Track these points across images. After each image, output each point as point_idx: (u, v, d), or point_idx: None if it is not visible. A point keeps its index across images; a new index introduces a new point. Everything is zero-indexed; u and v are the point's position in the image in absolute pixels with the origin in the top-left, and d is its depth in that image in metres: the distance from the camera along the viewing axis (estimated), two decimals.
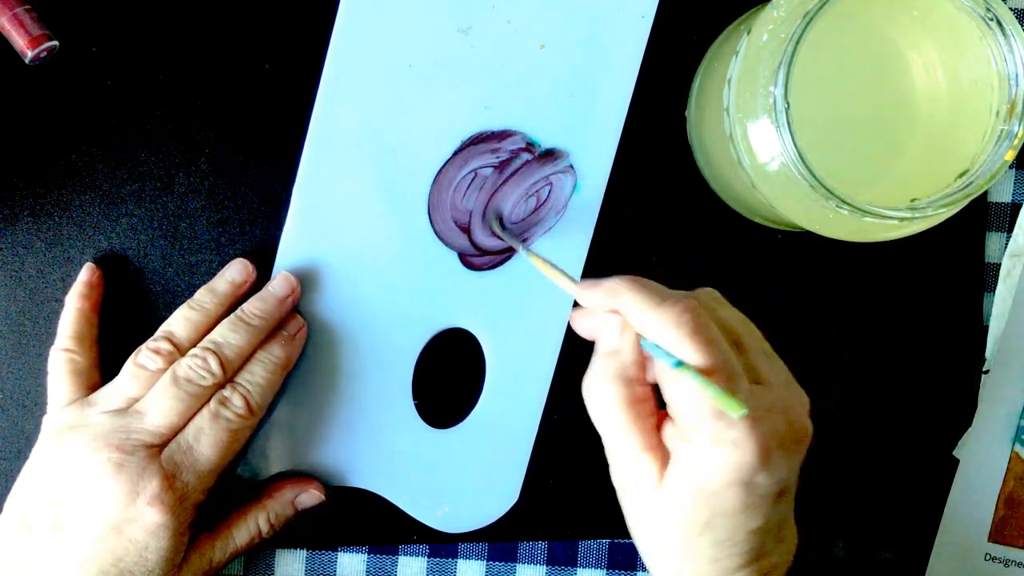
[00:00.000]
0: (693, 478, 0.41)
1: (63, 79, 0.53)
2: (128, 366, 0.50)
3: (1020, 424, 0.57)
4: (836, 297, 0.56)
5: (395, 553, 0.56)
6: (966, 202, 0.45)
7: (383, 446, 0.55)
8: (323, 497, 0.54)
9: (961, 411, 0.57)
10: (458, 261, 0.54)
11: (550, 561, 0.57)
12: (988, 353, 0.56)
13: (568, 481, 0.56)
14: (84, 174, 0.54)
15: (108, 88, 0.53)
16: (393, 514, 0.55)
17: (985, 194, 0.56)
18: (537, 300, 0.55)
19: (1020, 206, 0.57)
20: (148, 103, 0.54)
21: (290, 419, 0.54)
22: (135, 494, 0.47)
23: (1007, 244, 0.57)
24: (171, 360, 0.50)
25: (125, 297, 0.54)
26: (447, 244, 0.54)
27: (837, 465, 0.57)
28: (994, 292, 0.57)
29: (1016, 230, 0.57)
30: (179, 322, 0.51)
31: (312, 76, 0.53)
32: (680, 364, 0.40)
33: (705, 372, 0.40)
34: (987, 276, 0.57)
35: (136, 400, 0.49)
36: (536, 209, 0.54)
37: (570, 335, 0.55)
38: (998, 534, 0.57)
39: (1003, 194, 0.57)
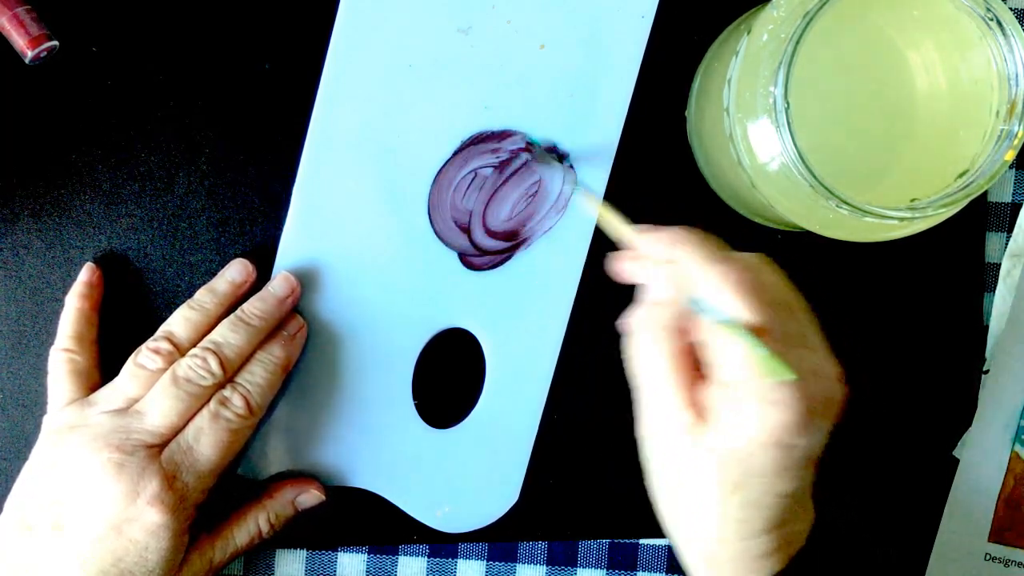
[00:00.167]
0: (730, 436, 0.41)
1: (63, 79, 0.53)
2: (128, 366, 0.50)
3: (1020, 424, 0.57)
4: (836, 297, 0.56)
5: (395, 553, 0.56)
6: (966, 202, 0.45)
7: (383, 446, 0.55)
8: (323, 497, 0.54)
9: (961, 411, 0.57)
10: (458, 261, 0.54)
11: (550, 561, 0.57)
12: (988, 353, 0.56)
13: (568, 481, 0.56)
14: (84, 174, 0.54)
15: (108, 88, 0.54)
16: (393, 514, 0.55)
17: (985, 194, 0.56)
18: (537, 300, 0.55)
19: (1020, 206, 0.57)
20: (148, 103, 0.54)
21: (290, 419, 0.54)
22: (135, 494, 0.47)
23: (1007, 244, 0.57)
24: (171, 360, 0.50)
25: (125, 297, 0.54)
26: (447, 244, 0.54)
27: (837, 465, 0.57)
28: (994, 292, 0.57)
29: (1016, 230, 0.57)
30: (179, 322, 0.51)
31: (312, 76, 0.53)
32: (731, 322, 0.40)
33: (756, 331, 0.40)
34: (987, 276, 0.57)
35: (136, 400, 0.49)
36: (533, 204, 0.54)
37: (570, 335, 0.55)
38: (998, 534, 0.57)
39: (1003, 194, 0.57)
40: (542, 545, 0.57)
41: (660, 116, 0.55)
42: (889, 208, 0.44)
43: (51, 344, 0.53)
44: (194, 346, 0.50)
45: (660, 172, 0.55)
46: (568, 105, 0.54)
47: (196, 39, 0.54)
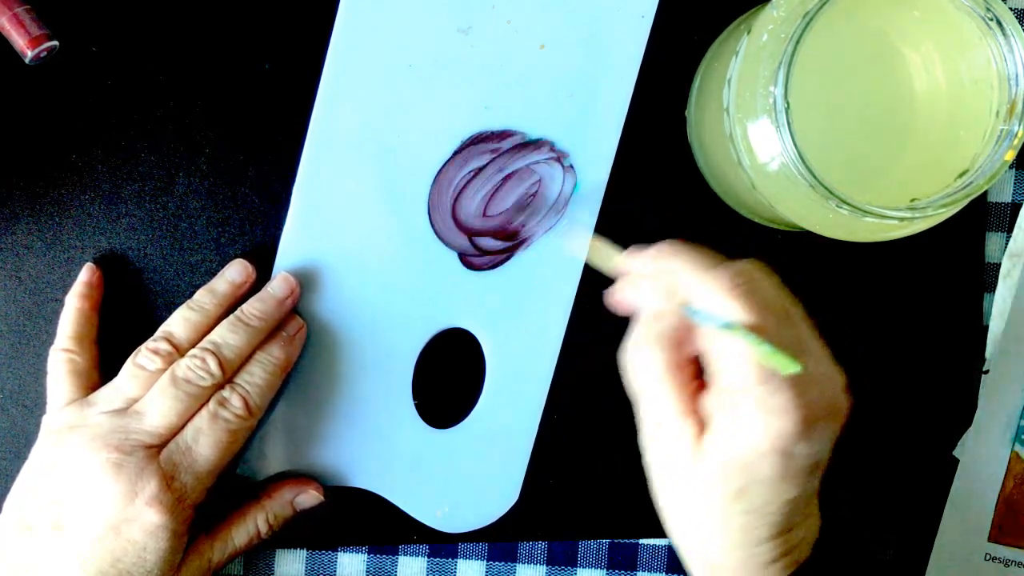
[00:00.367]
0: (732, 444, 0.41)
1: (63, 79, 0.53)
2: (127, 366, 0.50)
3: (1020, 424, 0.57)
4: (836, 297, 0.56)
5: (395, 553, 0.56)
6: (966, 202, 0.45)
7: (383, 446, 0.55)
8: (322, 498, 0.54)
9: (961, 411, 0.57)
10: (458, 261, 0.54)
11: (550, 561, 0.57)
12: (988, 353, 0.56)
13: (568, 481, 0.56)
14: (84, 174, 0.54)
15: (108, 88, 0.54)
16: (393, 514, 0.55)
17: (985, 194, 0.56)
18: (537, 300, 0.55)
19: (1020, 206, 0.57)
20: (148, 103, 0.54)
21: (289, 419, 0.54)
22: (134, 494, 0.47)
23: (1007, 244, 0.57)
24: (170, 360, 0.50)
25: (125, 297, 0.54)
26: (447, 244, 0.54)
27: (837, 465, 0.57)
28: (994, 292, 0.57)
29: (1016, 230, 0.57)
30: (178, 322, 0.51)
31: (312, 76, 0.53)
32: (730, 325, 0.40)
33: (756, 331, 0.40)
34: (987, 276, 0.57)
35: (135, 400, 0.49)
36: (531, 201, 0.54)
37: (570, 335, 0.55)
38: (998, 534, 0.57)
39: (1003, 194, 0.57)
40: (542, 545, 0.57)
41: (660, 116, 0.55)
42: (889, 208, 0.44)
43: (51, 344, 0.53)
44: (193, 347, 0.50)
45: (660, 172, 0.55)
46: (568, 105, 0.54)
47: (196, 39, 0.54)
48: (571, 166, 0.54)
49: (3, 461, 0.54)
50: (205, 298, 0.52)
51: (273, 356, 0.51)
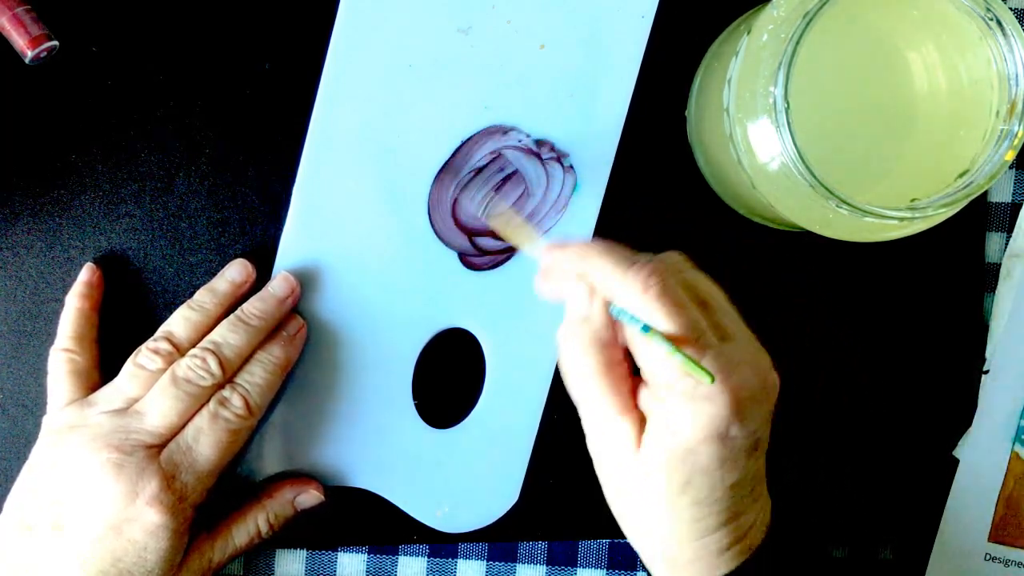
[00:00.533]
0: (669, 437, 0.42)
1: (63, 79, 0.53)
2: (128, 366, 0.50)
3: (1020, 424, 0.57)
4: (836, 297, 0.56)
5: (395, 553, 0.56)
6: (966, 202, 0.45)
7: (383, 446, 0.55)
8: (322, 497, 0.54)
9: (961, 411, 0.57)
10: (458, 261, 0.54)
11: (550, 561, 0.57)
12: (988, 353, 0.56)
13: (568, 481, 0.56)
14: (84, 174, 0.54)
15: (108, 88, 0.54)
16: (393, 514, 0.55)
17: (985, 194, 0.56)
18: (537, 300, 0.55)
19: (1020, 206, 0.57)
20: (148, 103, 0.54)
21: (290, 419, 0.54)
22: (134, 494, 0.47)
23: (1007, 244, 0.57)
24: (171, 360, 0.50)
25: (125, 297, 0.54)
26: (447, 244, 0.54)
27: (837, 465, 0.57)
28: (994, 292, 0.57)
29: (1016, 230, 0.57)
30: (179, 322, 0.51)
31: (312, 76, 0.53)
32: (648, 329, 0.41)
33: (673, 336, 0.41)
34: (987, 276, 0.57)
35: (136, 400, 0.49)
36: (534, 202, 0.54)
37: None
38: (998, 534, 0.57)
39: (1003, 194, 0.57)
40: (542, 545, 0.57)
41: (660, 116, 0.55)
42: (889, 208, 0.44)
43: (51, 344, 0.53)
44: (194, 346, 0.50)
45: (660, 172, 0.55)
46: (568, 105, 0.54)
47: (196, 39, 0.54)
48: (571, 166, 0.54)
49: (3, 461, 0.54)
50: (205, 298, 0.52)
51: (273, 356, 0.51)
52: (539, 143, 0.54)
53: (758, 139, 0.46)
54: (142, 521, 0.47)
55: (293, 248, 0.54)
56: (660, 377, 0.42)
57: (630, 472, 0.43)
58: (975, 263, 0.57)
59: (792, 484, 0.54)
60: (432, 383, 0.55)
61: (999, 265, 0.57)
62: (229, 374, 0.50)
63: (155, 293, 0.54)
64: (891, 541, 0.57)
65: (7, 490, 0.50)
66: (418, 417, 0.55)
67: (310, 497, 0.53)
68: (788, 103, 0.44)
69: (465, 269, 0.54)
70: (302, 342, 0.53)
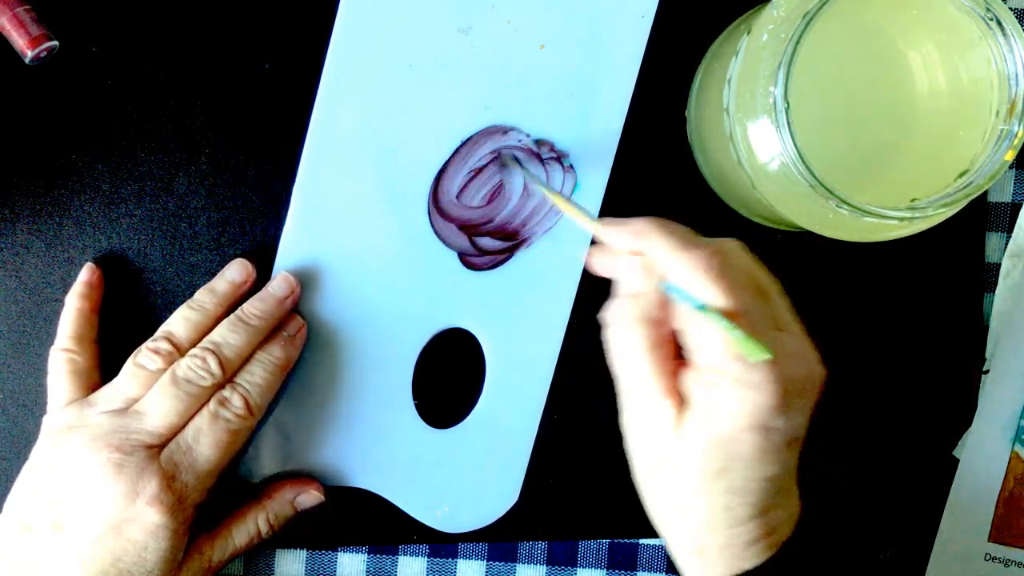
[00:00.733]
0: (711, 422, 0.41)
1: (63, 79, 0.53)
2: (128, 366, 0.50)
3: (1020, 424, 0.57)
4: (836, 297, 0.56)
5: (395, 553, 0.56)
6: (966, 202, 0.45)
7: (383, 446, 0.55)
8: (322, 498, 0.54)
9: (961, 411, 0.57)
10: (458, 261, 0.54)
11: (550, 561, 0.57)
12: (988, 353, 0.56)
13: (568, 481, 0.56)
14: (84, 174, 0.54)
15: (108, 88, 0.54)
16: (393, 514, 0.55)
17: (985, 194, 0.56)
18: (537, 300, 0.55)
19: (1020, 206, 0.57)
20: (148, 103, 0.54)
21: (290, 419, 0.54)
22: (134, 494, 0.47)
23: (1007, 244, 0.57)
24: (171, 360, 0.50)
25: (125, 297, 0.54)
26: (447, 244, 0.54)
27: (837, 466, 0.57)
28: (994, 292, 0.57)
29: (1016, 230, 0.57)
30: (179, 322, 0.51)
31: (312, 76, 0.53)
32: (704, 307, 0.40)
33: (729, 315, 0.40)
34: (987, 276, 0.57)
35: (136, 400, 0.49)
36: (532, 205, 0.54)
37: (570, 335, 0.55)
38: (998, 534, 0.57)
39: (1003, 194, 0.57)
40: (542, 545, 0.57)
41: (660, 116, 0.55)
42: (889, 208, 0.44)
43: (51, 344, 0.53)
44: (194, 346, 0.50)
45: (660, 172, 0.55)
46: (568, 105, 0.54)
47: (196, 39, 0.54)
48: (571, 166, 0.54)
49: (3, 461, 0.54)
50: (205, 298, 0.52)
51: (273, 356, 0.51)
52: (539, 143, 0.54)
53: (758, 139, 0.46)
54: (142, 521, 0.47)
55: (293, 248, 0.54)
56: (710, 360, 0.41)
57: (665, 453, 0.43)
58: (975, 263, 0.57)
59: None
60: (432, 383, 0.55)
61: (999, 265, 0.57)
62: (229, 374, 0.50)
63: (155, 293, 0.54)
64: (891, 541, 0.57)
65: (7, 490, 0.50)
66: (418, 417, 0.55)
67: (310, 497, 0.53)
68: (788, 103, 0.44)
69: (465, 269, 0.54)
70: (302, 342, 0.53)
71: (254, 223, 0.54)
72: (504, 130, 0.54)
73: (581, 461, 0.56)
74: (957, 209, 0.46)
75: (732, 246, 0.43)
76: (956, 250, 0.56)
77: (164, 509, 0.47)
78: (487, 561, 0.57)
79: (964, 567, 0.57)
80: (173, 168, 0.54)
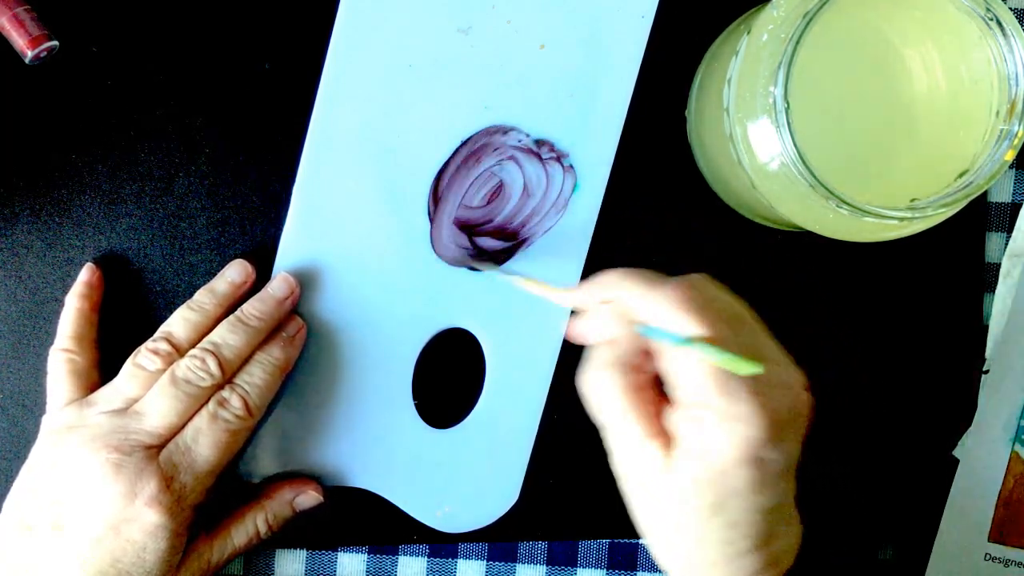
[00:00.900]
0: (701, 459, 0.41)
1: (63, 79, 0.53)
2: (127, 367, 0.50)
3: (1020, 424, 0.57)
4: (836, 297, 0.56)
5: (395, 553, 0.56)
6: (966, 202, 0.45)
7: (383, 446, 0.55)
8: (322, 498, 0.54)
9: (961, 411, 0.57)
10: None
11: (550, 561, 0.57)
12: (988, 353, 0.56)
13: (568, 481, 0.56)
14: (84, 174, 0.54)
15: (108, 88, 0.54)
16: (393, 514, 0.55)
17: (985, 194, 0.56)
18: (537, 300, 0.55)
19: (1020, 206, 0.57)
20: (148, 103, 0.54)
21: (289, 420, 0.54)
22: (133, 495, 0.47)
23: (1007, 244, 0.57)
24: (170, 361, 0.50)
25: (125, 297, 0.54)
26: (441, 256, 0.54)
27: (837, 465, 0.57)
28: (994, 292, 0.57)
29: (1016, 230, 0.57)
30: (178, 323, 0.51)
31: (312, 76, 0.53)
32: (685, 340, 0.40)
33: (712, 341, 0.40)
34: (987, 276, 0.57)
35: (135, 400, 0.49)
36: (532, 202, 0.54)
37: None
38: (998, 534, 0.57)
39: (1003, 194, 0.57)
40: (542, 545, 0.57)
41: (660, 116, 0.55)
42: (889, 208, 0.44)
43: (51, 344, 0.53)
44: (193, 347, 0.50)
45: (660, 172, 0.55)
46: (568, 105, 0.54)
47: (196, 39, 0.54)
48: (571, 166, 0.54)
49: (3, 461, 0.54)
50: (205, 298, 0.52)
51: (273, 356, 0.51)
52: (539, 143, 0.54)
53: (758, 139, 0.46)
54: (141, 521, 0.47)
55: (293, 248, 0.54)
56: (695, 397, 0.41)
57: (659, 494, 0.43)
58: (975, 263, 0.57)
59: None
60: (432, 383, 0.55)
61: (999, 265, 0.57)
62: (228, 375, 0.50)
63: (155, 293, 0.54)
64: (891, 541, 0.57)
65: (7, 490, 0.50)
66: (418, 417, 0.55)
67: (309, 498, 0.53)
68: (788, 103, 0.44)
69: (465, 269, 0.54)
70: (302, 343, 0.53)
71: (254, 223, 0.54)
72: (504, 130, 0.54)
73: (581, 461, 0.56)
74: (957, 209, 0.46)
75: (700, 279, 0.43)
76: (956, 250, 0.56)
77: (163, 510, 0.47)
78: (487, 561, 0.57)
79: (964, 567, 0.57)
80: (173, 168, 0.54)
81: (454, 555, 0.56)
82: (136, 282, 0.54)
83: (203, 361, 0.49)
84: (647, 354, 0.43)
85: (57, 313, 0.53)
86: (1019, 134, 0.44)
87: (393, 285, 0.54)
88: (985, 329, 0.57)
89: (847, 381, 0.57)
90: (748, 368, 0.39)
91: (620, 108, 0.54)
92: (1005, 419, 0.56)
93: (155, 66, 0.54)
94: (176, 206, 0.54)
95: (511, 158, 0.54)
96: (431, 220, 0.54)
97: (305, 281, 0.53)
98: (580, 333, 0.45)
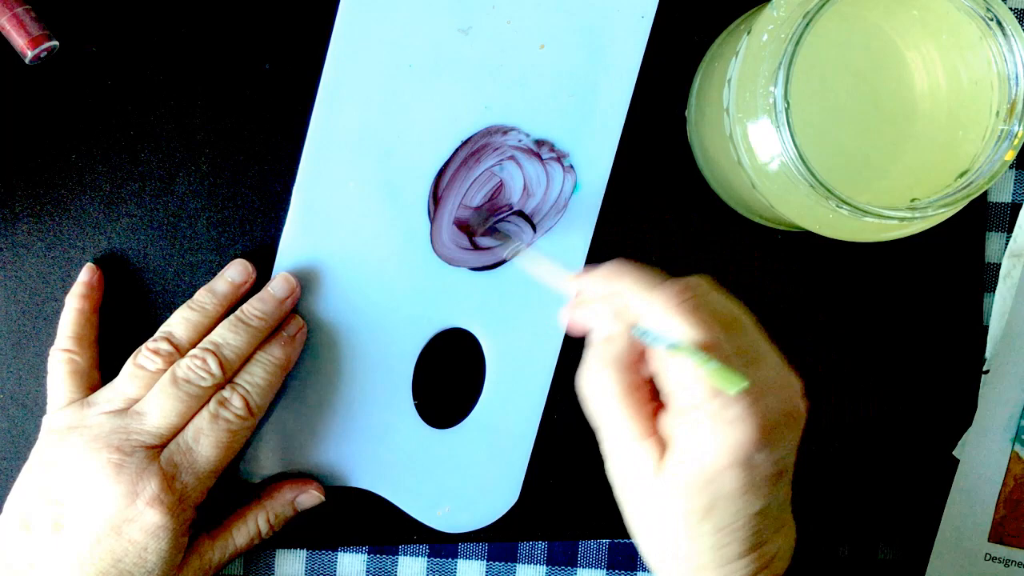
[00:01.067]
0: (693, 462, 0.41)
1: (63, 79, 0.53)
2: (128, 367, 0.50)
3: (1020, 424, 0.57)
4: (836, 297, 0.56)
5: (395, 553, 0.56)
6: (966, 202, 0.45)
7: (383, 446, 0.55)
8: (322, 498, 0.54)
9: (961, 411, 0.57)
10: None
11: (550, 561, 0.57)
12: (988, 353, 0.56)
13: (568, 481, 0.56)
14: (84, 174, 0.54)
15: (108, 88, 0.54)
16: (393, 514, 0.55)
17: (985, 194, 0.56)
18: (537, 300, 0.55)
19: (1020, 206, 0.57)
20: (148, 103, 0.54)
21: (290, 420, 0.54)
22: (134, 495, 0.47)
23: (1007, 244, 0.57)
24: (171, 361, 0.50)
25: (125, 297, 0.54)
26: (441, 256, 0.54)
27: (837, 465, 0.57)
28: (994, 292, 0.57)
29: (1016, 230, 0.57)
30: (179, 323, 0.51)
31: (312, 76, 0.53)
32: (676, 345, 0.40)
33: (705, 348, 0.40)
34: (987, 276, 0.57)
35: (136, 401, 0.49)
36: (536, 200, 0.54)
37: (570, 335, 0.55)
38: (998, 534, 0.57)
39: (1003, 194, 0.57)
40: (542, 545, 0.57)
41: (660, 116, 0.55)
42: (889, 208, 0.44)
43: (51, 344, 0.53)
44: (194, 347, 0.50)
45: (660, 172, 0.55)
46: (568, 105, 0.54)
47: (196, 39, 0.54)
48: (571, 166, 0.54)
49: (3, 461, 0.54)
50: (205, 298, 0.52)
51: (273, 356, 0.51)
52: (539, 143, 0.54)
53: (758, 139, 0.46)
54: (142, 521, 0.47)
55: (293, 248, 0.54)
56: (687, 400, 0.41)
57: (652, 496, 0.43)
58: (975, 263, 0.57)
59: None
60: (432, 383, 0.55)
61: (999, 265, 0.57)
62: (229, 375, 0.50)
63: (155, 293, 0.54)
64: (891, 541, 0.57)
65: (7, 490, 0.50)
66: (418, 417, 0.55)
67: (310, 497, 0.53)
68: (788, 103, 0.44)
69: (465, 269, 0.54)
70: (302, 342, 0.53)
71: (254, 223, 0.54)
72: (504, 130, 0.54)
73: (581, 461, 0.56)
74: (957, 209, 0.46)
75: (700, 282, 0.43)
76: (956, 250, 0.56)
77: (164, 510, 0.47)
78: (487, 561, 0.57)
79: (964, 567, 0.57)
80: (173, 168, 0.54)
81: (454, 555, 0.56)
82: (136, 282, 0.54)
83: (204, 361, 0.49)
84: (643, 354, 0.43)
85: (57, 313, 0.53)
86: (1019, 134, 0.44)
87: (393, 285, 0.54)
88: (985, 329, 0.57)
89: (847, 381, 0.57)
90: (735, 382, 0.39)
91: (620, 108, 0.54)
92: (1005, 419, 0.56)
93: (155, 66, 0.54)
94: (176, 206, 0.54)
95: (511, 158, 0.54)
96: (431, 220, 0.54)
97: (305, 281, 0.53)
98: (578, 323, 0.45)
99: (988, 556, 0.57)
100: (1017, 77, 0.44)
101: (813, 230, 0.48)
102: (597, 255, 0.55)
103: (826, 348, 0.57)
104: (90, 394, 0.51)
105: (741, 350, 0.42)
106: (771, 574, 0.44)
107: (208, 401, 0.49)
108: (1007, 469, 0.57)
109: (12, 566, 0.48)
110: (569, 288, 0.46)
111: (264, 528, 0.53)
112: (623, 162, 0.55)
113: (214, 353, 0.50)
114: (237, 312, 0.51)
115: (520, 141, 0.54)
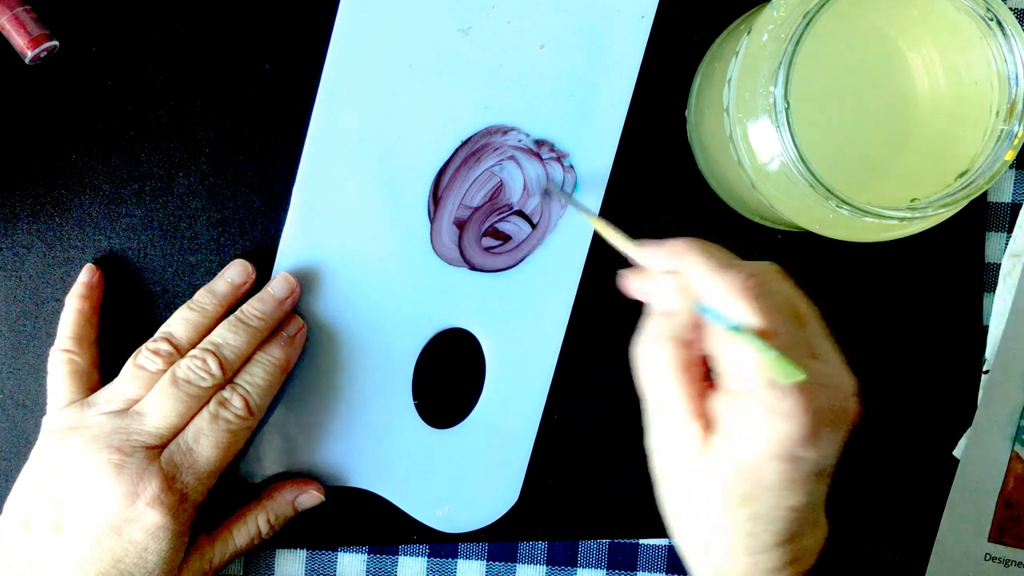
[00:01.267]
0: (738, 448, 0.41)
1: (63, 79, 0.53)
2: (128, 367, 0.50)
3: (1020, 424, 0.57)
4: (836, 297, 0.56)
5: (395, 553, 0.56)
6: (966, 202, 0.45)
7: (383, 446, 0.55)
8: (323, 498, 0.54)
9: (961, 411, 0.57)
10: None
11: (550, 561, 0.57)
12: (988, 353, 0.56)
13: (568, 481, 0.56)
14: (84, 174, 0.54)
15: (108, 88, 0.54)
16: (393, 514, 0.55)
17: (985, 194, 0.56)
18: (537, 300, 0.55)
19: (1020, 206, 0.57)
20: (148, 103, 0.54)
21: (290, 420, 0.54)
22: (135, 495, 0.47)
23: (1007, 244, 0.57)
24: (171, 361, 0.50)
25: (125, 297, 0.54)
26: (441, 256, 0.54)
27: (837, 465, 0.57)
28: (994, 292, 0.57)
29: (1016, 230, 0.57)
30: (179, 323, 0.51)
31: (312, 76, 0.53)
32: (738, 327, 0.40)
33: (765, 335, 0.40)
34: (987, 276, 0.57)
35: (136, 401, 0.49)
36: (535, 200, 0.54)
37: (570, 335, 0.55)
38: (998, 534, 0.57)
39: (1003, 194, 0.57)
40: (542, 545, 0.57)
41: (660, 116, 0.55)
42: (889, 208, 0.44)
43: (51, 344, 0.53)
44: (194, 347, 0.50)
45: (660, 172, 0.55)
46: (568, 105, 0.54)
47: (196, 39, 0.54)
48: (571, 166, 0.54)
49: (3, 461, 0.54)
50: (205, 298, 0.52)
51: (273, 356, 0.51)
52: (539, 143, 0.54)
53: (758, 139, 0.46)
54: (143, 522, 0.47)
55: (293, 248, 0.54)
56: (741, 385, 0.41)
57: (690, 476, 0.42)
58: (975, 263, 0.57)
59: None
60: (432, 383, 0.55)
61: (999, 265, 0.57)
62: (229, 375, 0.50)
63: (155, 293, 0.54)
64: (891, 541, 0.57)
65: (7, 490, 0.50)
66: (418, 417, 0.55)
67: (310, 497, 0.53)
68: (788, 103, 0.44)
69: (465, 269, 0.54)
70: (302, 343, 0.53)
71: (254, 223, 0.54)
72: (504, 130, 0.54)
73: (581, 461, 0.56)
74: (957, 209, 0.46)
75: (769, 269, 0.43)
76: (956, 250, 0.56)
77: (165, 510, 0.47)
78: (487, 561, 0.57)
79: (964, 567, 0.57)
80: (173, 168, 0.54)
81: (454, 555, 0.56)
82: (136, 282, 0.54)
83: (204, 361, 0.49)
84: (700, 331, 0.43)
85: (57, 313, 0.53)
86: (1019, 134, 0.44)
87: (393, 285, 0.54)
88: (985, 329, 0.57)
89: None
90: (792, 373, 0.39)
91: (620, 108, 0.54)
92: (1005, 419, 0.56)
93: (155, 66, 0.54)
94: (176, 206, 0.54)
95: (511, 158, 0.54)
96: (431, 220, 0.54)
97: (305, 281, 0.53)
98: (639, 291, 0.45)
99: (988, 556, 0.57)
100: (1017, 77, 0.44)
101: (813, 230, 0.48)
102: (597, 255, 0.55)
103: None
104: (90, 394, 0.51)
105: (801, 343, 0.41)
106: (800, 569, 0.43)
107: (208, 401, 0.49)
108: (1007, 469, 0.57)
109: (12, 566, 0.48)
110: (635, 256, 0.45)
111: (264, 528, 0.53)
112: (623, 162, 0.55)
113: (214, 353, 0.50)
114: (237, 312, 0.51)
115: (520, 141, 0.54)
